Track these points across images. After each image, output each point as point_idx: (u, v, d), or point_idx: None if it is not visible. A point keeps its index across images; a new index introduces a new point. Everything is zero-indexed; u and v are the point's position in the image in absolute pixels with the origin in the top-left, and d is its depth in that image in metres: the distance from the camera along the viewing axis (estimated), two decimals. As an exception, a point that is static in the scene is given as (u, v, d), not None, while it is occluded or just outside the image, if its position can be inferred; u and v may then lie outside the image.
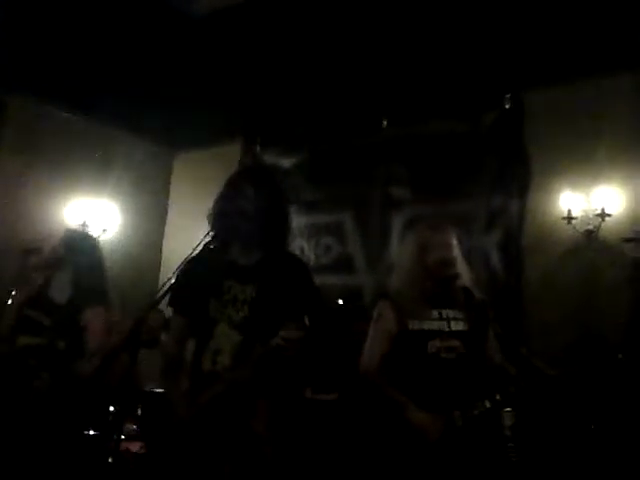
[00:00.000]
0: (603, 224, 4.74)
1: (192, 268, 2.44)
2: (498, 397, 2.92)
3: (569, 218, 4.82)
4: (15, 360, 3.06)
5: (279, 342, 2.19)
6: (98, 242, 3.48)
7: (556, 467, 3.60)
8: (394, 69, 5.06)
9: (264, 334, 2.25)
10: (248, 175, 2.61)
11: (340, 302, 5.11)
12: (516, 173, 5.09)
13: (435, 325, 2.75)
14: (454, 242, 2.87)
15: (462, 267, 2.85)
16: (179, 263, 2.40)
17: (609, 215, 4.72)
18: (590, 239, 4.76)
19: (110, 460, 3.65)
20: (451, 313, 2.79)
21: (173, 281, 2.39)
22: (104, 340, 3.11)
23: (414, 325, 2.75)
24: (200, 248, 2.43)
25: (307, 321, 2.27)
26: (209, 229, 2.46)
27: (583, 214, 4.81)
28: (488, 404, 2.79)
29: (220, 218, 2.45)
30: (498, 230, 5.10)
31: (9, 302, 3.16)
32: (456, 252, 2.85)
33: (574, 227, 4.82)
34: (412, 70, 5.04)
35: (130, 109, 5.94)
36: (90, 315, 3.13)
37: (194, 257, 2.44)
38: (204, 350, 2.40)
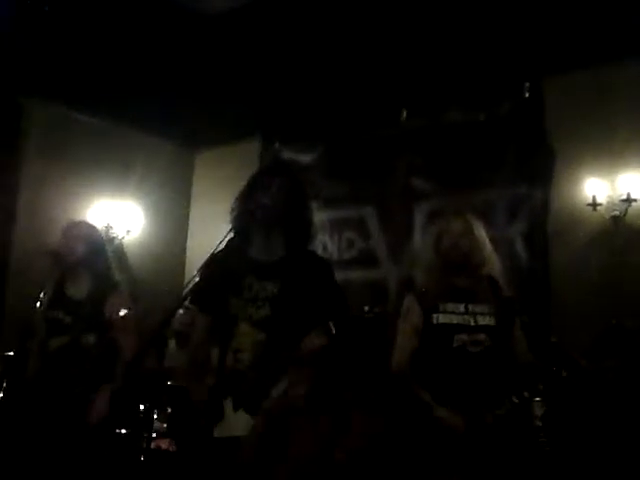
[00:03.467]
0: (629, 209, 4.67)
1: (213, 265, 2.41)
2: (526, 394, 2.89)
3: (594, 204, 4.76)
4: (52, 364, 3.08)
5: (302, 353, 2.20)
6: (116, 238, 3.45)
7: (588, 456, 3.57)
8: (412, 60, 5.03)
9: (287, 333, 2.26)
10: (271, 173, 2.59)
11: (366, 308, 5.06)
12: (539, 161, 5.03)
13: (461, 319, 2.73)
14: (474, 229, 2.82)
15: (488, 256, 2.81)
16: (203, 261, 2.38)
17: (635, 200, 4.65)
18: (616, 225, 4.69)
19: (142, 458, 3.70)
20: (477, 307, 2.76)
21: (196, 278, 2.37)
22: (132, 327, 3.12)
23: (440, 319, 2.73)
24: (223, 245, 2.40)
25: (333, 328, 2.26)
26: (231, 226, 2.45)
27: (608, 200, 4.74)
28: (516, 400, 2.77)
29: (242, 215, 2.44)
30: (523, 219, 5.05)
31: (38, 305, 3.19)
32: (476, 239, 2.81)
33: (600, 213, 4.76)
34: (430, 60, 5.01)
35: (150, 111, 5.97)
36: (112, 304, 3.13)
37: (215, 254, 2.41)
38: (227, 348, 2.39)
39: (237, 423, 2.29)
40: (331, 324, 2.25)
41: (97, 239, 3.33)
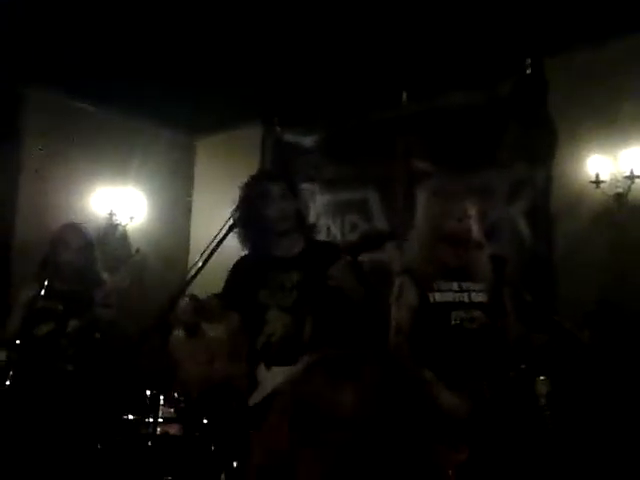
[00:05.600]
0: (633, 186, 4.64)
1: (239, 269, 2.77)
2: (523, 366, 2.91)
3: (597, 182, 4.73)
4: (40, 347, 3.20)
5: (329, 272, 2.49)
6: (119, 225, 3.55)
7: (592, 432, 3.58)
8: (411, 41, 4.98)
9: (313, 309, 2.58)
10: (266, 179, 2.83)
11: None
12: (540, 139, 5.00)
13: (456, 297, 2.74)
14: (472, 211, 2.83)
15: (480, 237, 2.82)
16: (207, 246, 2.49)
17: (638, 177, 4.63)
18: (620, 202, 4.67)
19: (149, 443, 3.73)
20: (470, 285, 2.77)
21: (199, 263, 2.53)
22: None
23: (435, 297, 2.74)
24: (225, 231, 2.58)
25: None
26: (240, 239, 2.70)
27: (612, 177, 4.72)
28: (513, 374, 2.79)
29: (252, 228, 2.70)
30: (525, 198, 5.03)
31: (42, 293, 3.24)
32: (474, 221, 2.82)
33: (603, 191, 4.74)
34: (429, 41, 4.97)
35: (150, 98, 5.96)
36: (99, 293, 3.30)
37: (238, 262, 2.78)
38: (259, 334, 2.66)
39: (268, 379, 2.56)
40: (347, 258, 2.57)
41: (84, 242, 3.46)
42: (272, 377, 2.55)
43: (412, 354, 2.71)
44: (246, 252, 2.78)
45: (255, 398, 2.57)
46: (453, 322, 2.69)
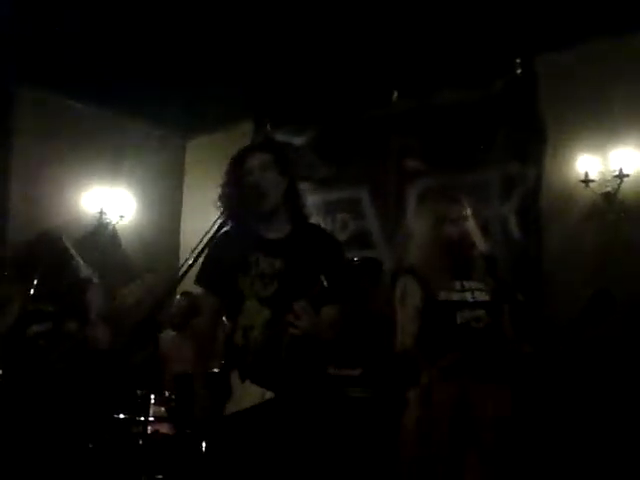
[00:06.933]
0: (621, 185, 4.66)
1: (219, 245, 2.44)
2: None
3: (587, 181, 4.75)
4: (28, 347, 3.21)
5: (290, 319, 2.24)
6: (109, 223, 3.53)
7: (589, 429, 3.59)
8: (402, 40, 5.00)
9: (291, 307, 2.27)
10: (253, 150, 2.63)
11: (356, 259, 5.09)
12: (531, 138, 5.02)
13: (459, 296, 2.75)
14: (469, 213, 2.86)
15: (477, 237, 2.85)
16: (197, 245, 2.39)
17: (627, 175, 4.64)
18: (609, 201, 4.69)
19: (140, 442, 3.72)
20: (473, 284, 2.79)
21: (202, 259, 2.39)
22: (106, 306, 3.25)
23: (441, 296, 2.75)
24: (215, 228, 2.41)
25: (325, 281, 2.27)
26: (224, 210, 2.46)
27: (601, 176, 4.74)
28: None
29: (236, 199, 2.45)
30: (515, 197, 5.05)
31: (31, 292, 3.24)
32: (472, 223, 2.86)
33: (592, 190, 4.76)
34: (420, 40, 4.98)
35: (140, 97, 5.95)
36: (90, 298, 3.34)
37: (221, 234, 2.43)
38: (233, 327, 2.43)
39: (245, 396, 2.33)
40: (322, 278, 2.28)
41: (56, 253, 3.48)
42: (246, 391, 2.32)
43: (420, 355, 2.72)
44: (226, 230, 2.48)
45: (230, 408, 2.35)
46: (460, 321, 2.70)
